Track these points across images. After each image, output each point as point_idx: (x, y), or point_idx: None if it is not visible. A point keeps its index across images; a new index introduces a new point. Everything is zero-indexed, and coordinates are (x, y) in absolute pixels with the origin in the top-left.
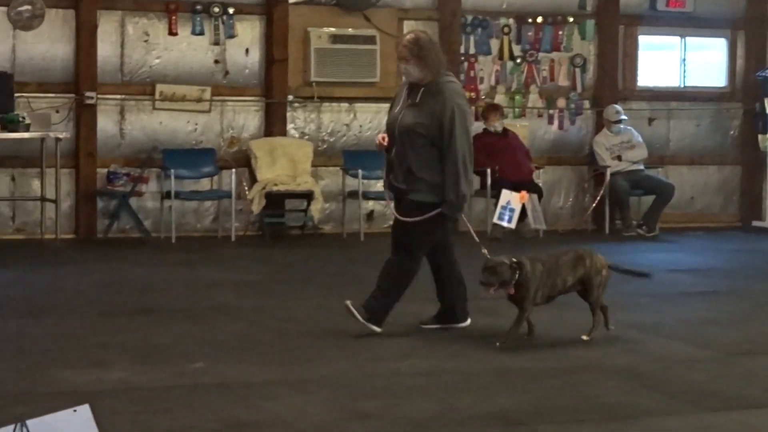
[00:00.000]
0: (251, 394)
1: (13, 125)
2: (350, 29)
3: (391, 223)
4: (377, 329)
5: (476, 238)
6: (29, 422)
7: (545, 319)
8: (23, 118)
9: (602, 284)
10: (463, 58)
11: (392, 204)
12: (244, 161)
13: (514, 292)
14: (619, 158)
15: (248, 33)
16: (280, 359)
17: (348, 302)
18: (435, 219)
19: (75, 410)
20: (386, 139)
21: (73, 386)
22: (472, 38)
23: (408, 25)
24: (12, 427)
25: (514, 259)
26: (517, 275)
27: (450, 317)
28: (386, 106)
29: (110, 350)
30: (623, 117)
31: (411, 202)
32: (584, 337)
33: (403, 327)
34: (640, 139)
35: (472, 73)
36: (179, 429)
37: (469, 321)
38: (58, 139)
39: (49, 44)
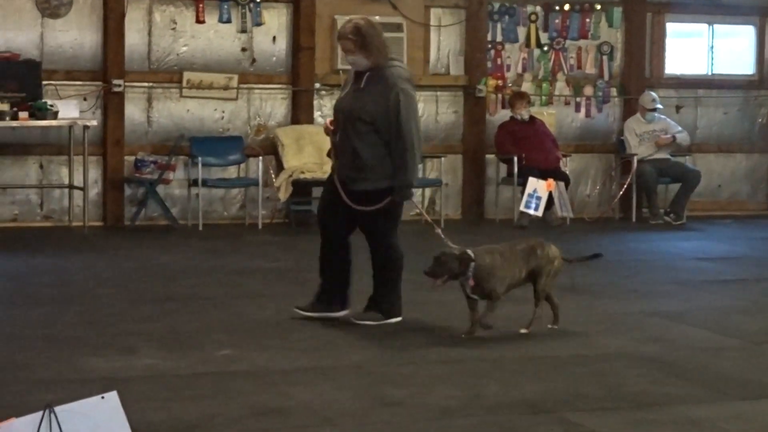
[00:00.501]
0: (279, 381)
1: (42, 113)
2: (377, 17)
3: (416, 211)
4: (398, 318)
5: (427, 218)
6: (58, 409)
7: (572, 307)
8: (51, 105)
9: (551, 274)
10: (490, 45)
11: (342, 192)
12: (271, 149)
13: (473, 284)
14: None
15: (275, 21)
16: (308, 346)
17: (352, 319)
18: (391, 209)
19: (103, 397)
20: (333, 123)
21: (100, 373)
22: (499, 26)
23: (435, 13)
24: (41, 413)
25: (469, 251)
26: (470, 268)
27: (327, 305)
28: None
29: (138, 337)
30: (659, 105)
31: (361, 192)
32: (522, 330)
33: (429, 315)
34: (678, 127)
35: (499, 61)
36: (207, 416)
37: (345, 312)
38: (85, 127)
39: (77, 32)
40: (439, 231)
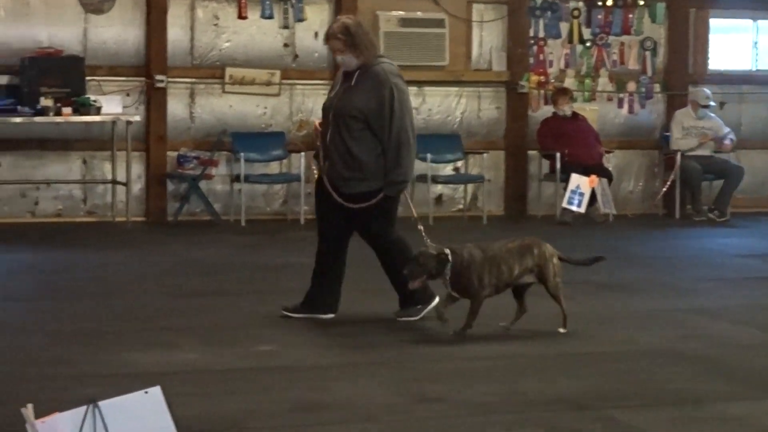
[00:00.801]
0: (319, 376)
1: (85, 108)
2: (419, 13)
3: (460, 207)
4: (435, 302)
5: (415, 214)
6: (101, 403)
7: (613, 304)
8: (95, 101)
9: (556, 272)
10: (532, 41)
11: (333, 193)
12: (313, 144)
13: (452, 282)
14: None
15: (317, 16)
16: (347, 342)
17: (397, 318)
18: (385, 199)
19: (146, 392)
20: (321, 125)
21: (143, 367)
22: (541, 21)
23: (477, 9)
24: (84, 408)
25: (446, 250)
26: (448, 266)
27: (315, 308)
28: (456, 89)
29: (180, 332)
30: (711, 103)
31: (357, 194)
32: (561, 330)
33: (460, 311)
34: (726, 128)
35: (541, 57)
36: (248, 411)
37: (332, 315)
38: (128, 123)
39: (120, 28)
40: (420, 228)
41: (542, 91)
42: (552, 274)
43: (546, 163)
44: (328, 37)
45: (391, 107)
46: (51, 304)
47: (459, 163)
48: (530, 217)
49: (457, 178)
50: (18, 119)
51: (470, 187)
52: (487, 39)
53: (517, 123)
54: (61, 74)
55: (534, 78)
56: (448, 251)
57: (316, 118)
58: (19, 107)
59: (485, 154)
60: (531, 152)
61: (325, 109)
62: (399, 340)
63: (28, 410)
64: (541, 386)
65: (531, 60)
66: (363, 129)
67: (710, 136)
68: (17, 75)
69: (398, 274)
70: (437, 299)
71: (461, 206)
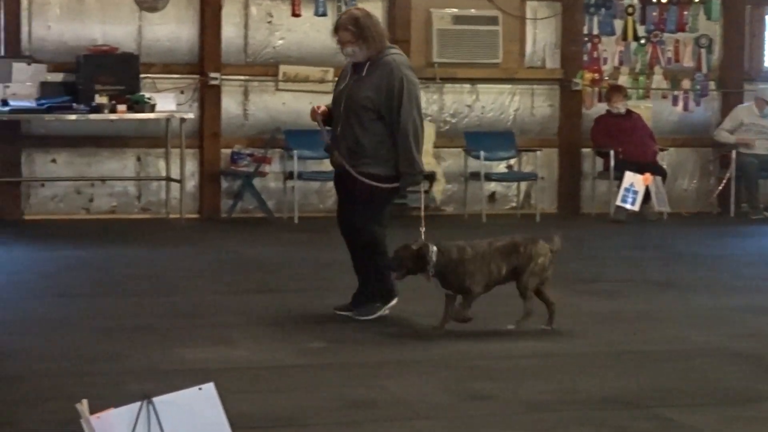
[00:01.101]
0: (371, 373)
1: (139, 106)
2: (473, 10)
3: (513, 204)
4: (394, 301)
5: (422, 214)
6: (155, 399)
7: (667, 302)
8: (149, 98)
9: (534, 272)
10: (586, 38)
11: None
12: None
13: (441, 279)
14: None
15: None
16: (400, 339)
17: (354, 315)
18: (385, 195)
19: (200, 388)
20: (320, 108)
21: (195, 364)
22: (595, 18)
23: (530, 6)
24: (139, 404)
25: (431, 246)
26: (430, 263)
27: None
28: (509, 87)
29: (233, 329)
30: None
31: (361, 174)
32: (510, 327)
33: (519, 309)
34: None
35: (595, 54)
36: (300, 407)
37: (393, 303)
38: (182, 120)
39: (174, 25)
40: (422, 230)
41: (596, 89)
42: (527, 274)
43: (600, 161)
44: (337, 29)
45: (400, 99)
46: (105, 300)
47: (512, 161)
48: (584, 215)
49: (511, 176)
50: (73, 116)
51: (523, 184)
52: (541, 36)
53: (571, 120)
54: (115, 72)
55: (588, 75)
56: (432, 247)
57: (315, 103)
58: (74, 105)
59: (539, 152)
60: (585, 150)
61: (336, 100)
62: (451, 337)
63: (83, 406)
64: (592, 384)
65: (585, 57)
66: (373, 119)
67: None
68: (73, 73)
69: (365, 269)
70: (396, 300)
71: (514, 204)
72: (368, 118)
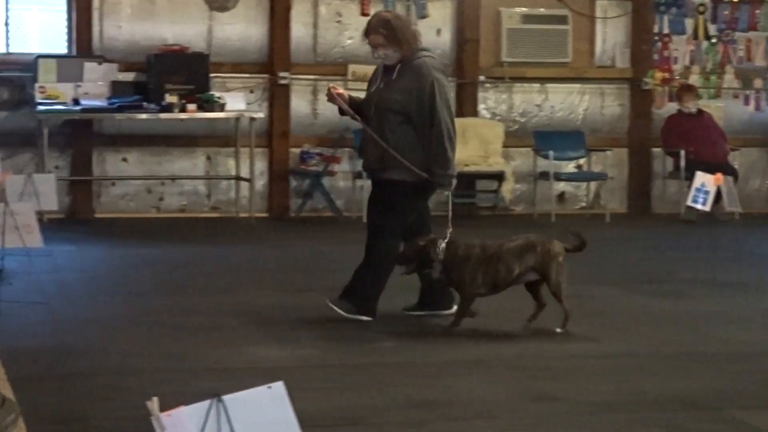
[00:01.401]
0: (437, 373)
1: (209, 105)
2: (542, 9)
3: (582, 204)
4: (365, 318)
5: (450, 216)
6: (225, 398)
7: (738, 303)
8: (219, 98)
9: (560, 271)
10: (656, 38)
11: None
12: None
13: (438, 274)
14: None
15: (440, 13)
16: (466, 339)
17: (328, 301)
18: (414, 197)
19: (269, 386)
20: (337, 90)
21: (263, 362)
22: (666, 18)
23: (601, 5)
24: (209, 402)
25: (440, 241)
26: (438, 258)
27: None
28: (578, 86)
29: (301, 327)
30: None
31: (386, 181)
32: (558, 330)
33: (585, 309)
34: None
35: (665, 53)
36: (367, 406)
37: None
38: (252, 119)
39: (243, 25)
40: (448, 230)
41: (666, 88)
42: (554, 273)
43: (670, 161)
44: (368, 32)
45: (432, 101)
46: (174, 298)
47: (582, 161)
48: (654, 215)
49: (580, 176)
50: (144, 116)
51: (593, 184)
52: (611, 35)
53: (641, 120)
54: (186, 71)
55: (658, 75)
56: (440, 243)
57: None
58: (145, 104)
59: (608, 152)
60: (655, 150)
61: (367, 102)
62: (516, 337)
63: (153, 403)
64: (659, 385)
65: (655, 56)
66: (402, 122)
67: None
68: (143, 72)
69: (360, 271)
70: (372, 318)
71: (584, 204)
72: (397, 121)
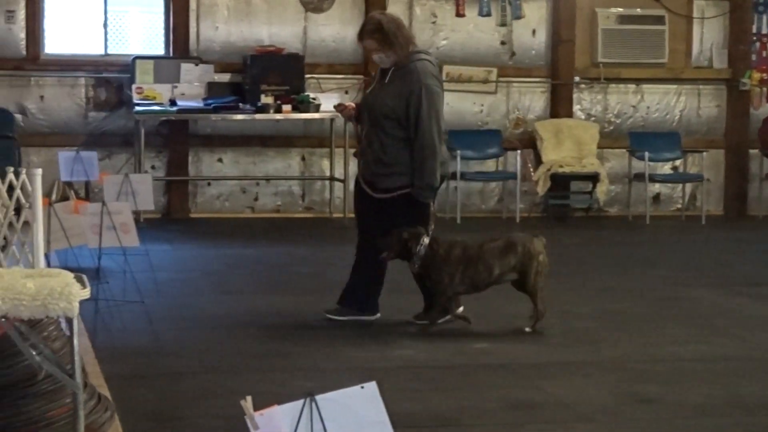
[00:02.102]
0: (532, 375)
1: (304, 106)
2: (638, 9)
3: (678, 206)
4: (370, 318)
5: (433, 224)
6: (318, 397)
7: None
8: (314, 98)
9: (539, 271)
10: (754, 38)
11: (367, 188)
12: (529, 142)
13: (416, 269)
14: None
15: (535, 14)
16: (562, 341)
17: (326, 313)
18: (410, 202)
19: (363, 387)
20: (350, 105)
21: (357, 363)
22: (764, 17)
23: (698, 5)
24: (302, 401)
25: (424, 236)
26: (419, 253)
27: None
28: (675, 87)
29: (395, 328)
30: None
31: (384, 189)
32: (527, 329)
33: (683, 312)
34: None
35: (764, 54)
36: (461, 408)
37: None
38: (346, 120)
39: (338, 26)
40: (430, 228)
41: (764, 89)
42: (533, 273)
43: (767, 162)
44: (362, 36)
45: (418, 108)
46: (269, 298)
47: (677, 162)
48: (750, 217)
49: (676, 177)
50: (239, 116)
51: (689, 186)
52: (708, 36)
53: (738, 121)
54: (281, 72)
55: (756, 75)
56: (424, 237)
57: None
58: (240, 104)
59: (705, 153)
60: (752, 151)
61: (363, 106)
62: (615, 339)
63: (247, 402)
64: (758, 389)
65: (753, 57)
66: (396, 127)
67: None
68: (239, 73)
69: (356, 275)
70: (375, 317)
71: (679, 206)
72: (390, 126)
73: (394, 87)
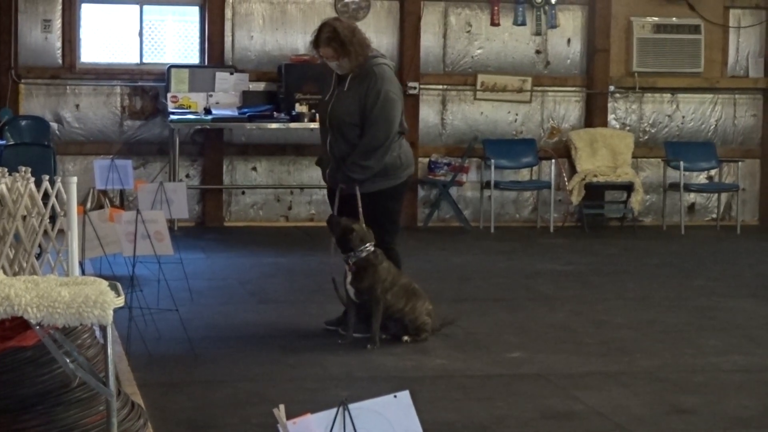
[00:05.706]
0: (568, 384)
1: None
2: (674, 18)
3: (713, 216)
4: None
5: (359, 209)
6: (351, 406)
7: None
8: None
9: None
10: None
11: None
12: (564, 152)
13: (354, 270)
14: None
15: (570, 23)
16: (598, 351)
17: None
18: (396, 199)
19: (396, 395)
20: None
21: (391, 371)
22: None
23: (734, 14)
24: (335, 410)
25: (369, 239)
26: (358, 252)
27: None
28: (710, 96)
29: (431, 337)
30: None
31: (370, 195)
32: (405, 338)
33: (720, 322)
34: None
35: None
36: (496, 417)
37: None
38: None
39: (374, 35)
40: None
41: None
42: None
43: None
44: (316, 45)
45: (369, 113)
46: (303, 306)
47: (713, 172)
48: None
49: (711, 187)
50: (274, 125)
51: (724, 196)
52: (744, 45)
53: None
54: (316, 81)
55: None
56: (368, 237)
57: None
58: (275, 113)
59: (740, 163)
60: None
61: (321, 116)
62: (651, 350)
63: (280, 411)
64: None
65: None
66: (358, 134)
67: None
68: (274, 82)
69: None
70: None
71: (714, 215)
72: (353, 135)
73: (354, 93)
